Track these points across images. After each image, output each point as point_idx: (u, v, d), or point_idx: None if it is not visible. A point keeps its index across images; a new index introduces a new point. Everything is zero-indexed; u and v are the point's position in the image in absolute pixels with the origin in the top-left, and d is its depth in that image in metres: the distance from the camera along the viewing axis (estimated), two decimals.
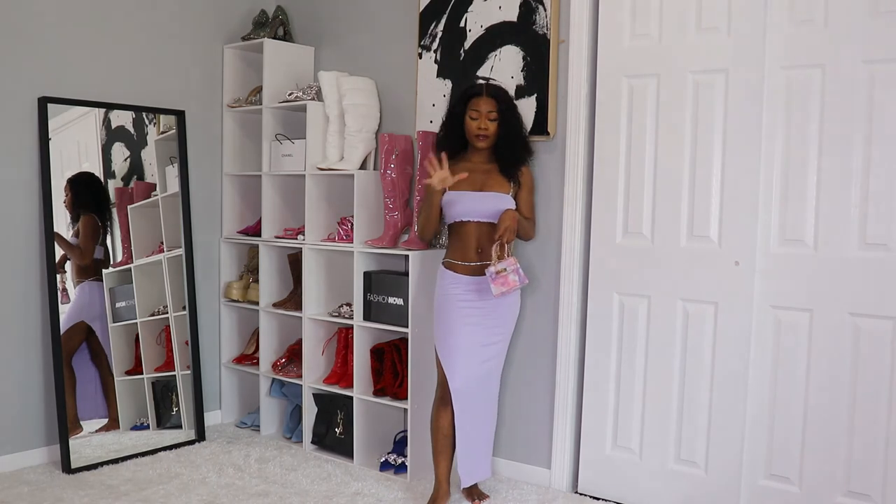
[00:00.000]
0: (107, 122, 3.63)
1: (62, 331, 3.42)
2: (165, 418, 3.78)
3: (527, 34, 3.23)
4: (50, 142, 3.38)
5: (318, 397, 3.67)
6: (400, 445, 3.50)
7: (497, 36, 3.32)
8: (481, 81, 3.15)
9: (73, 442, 3.39)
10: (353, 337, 3.50)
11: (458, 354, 2.90)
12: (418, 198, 3.37)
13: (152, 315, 3.75)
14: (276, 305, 3.86)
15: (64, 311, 3.44)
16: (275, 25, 3.94)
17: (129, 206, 3.67)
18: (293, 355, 3.86)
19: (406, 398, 3.31)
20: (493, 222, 2.89)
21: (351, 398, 3.49)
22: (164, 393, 3.78)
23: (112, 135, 3.65)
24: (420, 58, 3.56)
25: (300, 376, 3.71)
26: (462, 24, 3.42)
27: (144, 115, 3.75)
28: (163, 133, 3.83)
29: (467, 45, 3.41)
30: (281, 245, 3.84)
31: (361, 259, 3.48)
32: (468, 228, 2.92)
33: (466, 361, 2.90)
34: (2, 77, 3.26)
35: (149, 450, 3.58)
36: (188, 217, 3.85)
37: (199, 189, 3.96)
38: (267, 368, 3.91)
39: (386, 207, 3.45)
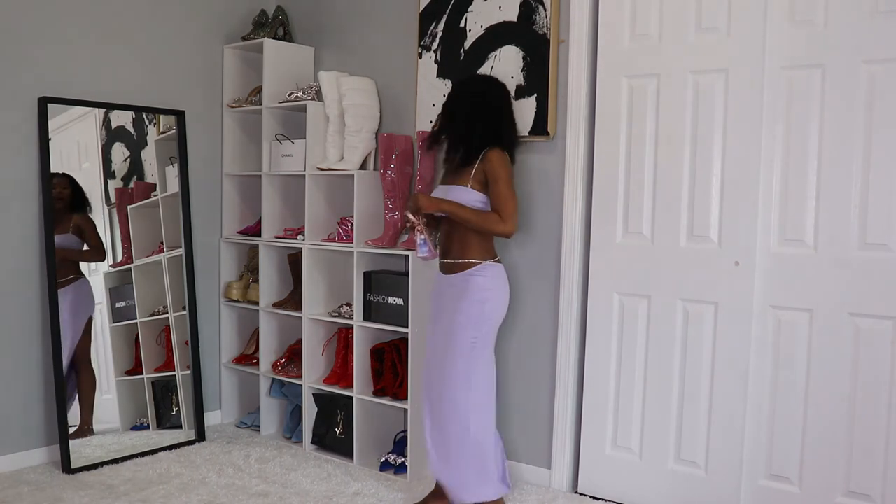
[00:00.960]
0: (107, 122, 3.63)
1: (80, 335, 3.47)
2: (165, 418, 3.78)
3: (527, 34, 3.23)
4: (50, 142, 3.38)
5: (318, 397, 3.67)
6: (400, 445, 3.50)
7: (497, 36, 3.31)
8: None
9: (73, 442, 3.39)
10: (353, 337, 3.50)
11: (426, 351, 2.99)
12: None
13: (152, 315, 3.75)
14: (276, 305, 3.86)
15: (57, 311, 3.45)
16: (275, 25, 3.95)
17: (129, 206, 3.67)
18: (293, 355, 3.86)
19: (406, 398, 3.31)
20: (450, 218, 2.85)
21: (351, 398, 3.49)
22: (164, 393, 3.78)
23: (112, 135, 3.65)
24: (420, 58, 3.56)
25: (300, 376, 3.71)
26: (462, 25, 3.42)
27: (144, 115, 3.75)
28: (163, 133, 3.83)
29: (467, 45, 3.41)
30: (281, 245, 3.84)
31: (361, 259, 3.48)
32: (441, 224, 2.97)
33: (427, 359, 2.97)
34: (2, 77, 3.27)
35: (149, 450, 3.58)
36: (188, 217, 3.85)
37: (199, 189, 3.96)
38: (267, 368, 3.91)
39: (386, 207, 3.45)
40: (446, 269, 2.92)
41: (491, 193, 2.81)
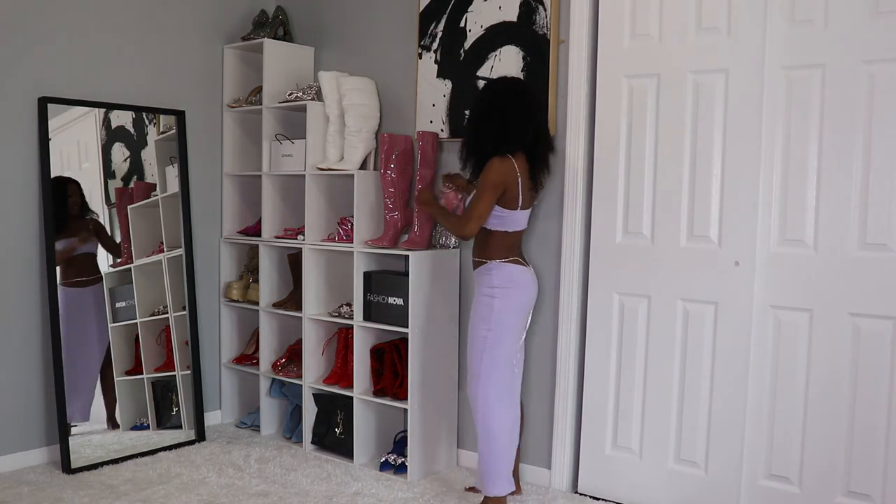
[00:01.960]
0: (107, 122, 3.63)
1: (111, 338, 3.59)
2: (165, 418, 3.78)
3: (527, 34, 3.23)
4: (50, 142, 3.38)
5: (318, 397, 3.67)
6: (400, 445, 3.50)
7: (497, 36, 3.32)
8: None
9: (73, 442, 3.39)
10: (353, 337, 3.50)
11: None
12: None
13: (152, 315, 3.75)
14: (276, 305, 3.86)
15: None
16: (275, 25, 3.95)
17: (129, 207, 3.67)
18: (293, 355, 3.86)
19: (406, 398, 3.31)
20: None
21: (351, 398, 3.49)
22: (164, 393, 3.78)
23: (112, 135, 3.65)
24: (420, 58, 3.56)
25: (300, 376, 3.71)
26: (462, 25, 3.42)
27: (144, 115, 3.75)
28: (163, 133, 3.83)
29: (467, 45, 3.41)
30: (281, 245, 3.84)
31: (361, 259, 3.47)
32: None
33: None
34: (2, 77, 3.26)
35: (149, 450, 3.58)
36: (188, 217, 3.85)
37: (199, 189, 3.96)
38: (267, 368, 3.91)
39: (386, 207, 3.45)
40: (473, 266, 3.04)
41: None
